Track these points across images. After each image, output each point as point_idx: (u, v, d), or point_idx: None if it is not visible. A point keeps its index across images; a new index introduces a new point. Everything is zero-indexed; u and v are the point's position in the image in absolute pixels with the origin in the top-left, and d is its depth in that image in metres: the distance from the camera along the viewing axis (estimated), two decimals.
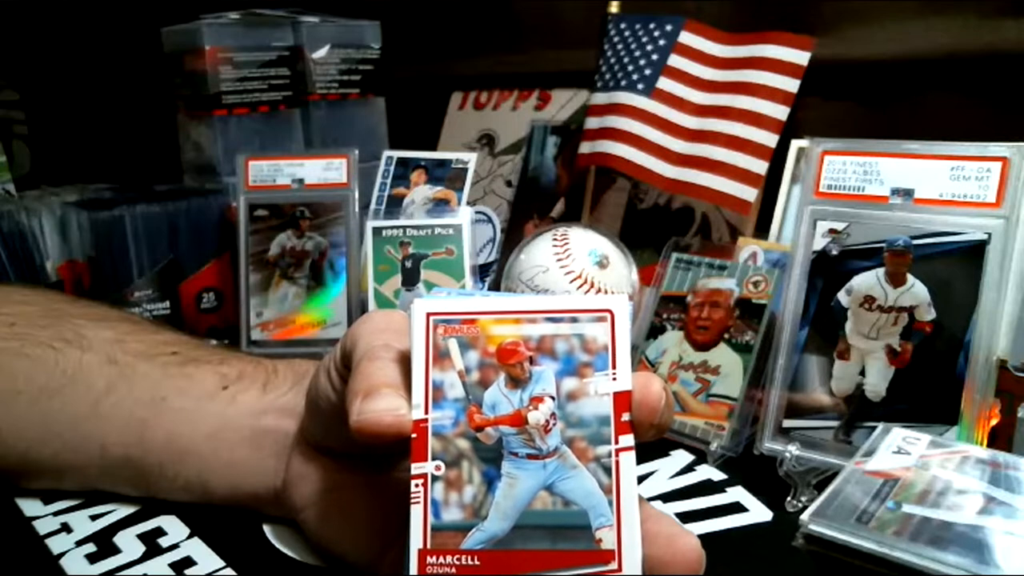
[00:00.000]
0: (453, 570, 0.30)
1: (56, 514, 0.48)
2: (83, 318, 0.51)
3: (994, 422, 0.48)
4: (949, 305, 0.49)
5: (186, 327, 0.80)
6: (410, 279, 0.74)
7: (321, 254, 0.76)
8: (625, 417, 0.31)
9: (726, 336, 0.59)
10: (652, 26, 0.80)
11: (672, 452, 0.57)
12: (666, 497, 0.51)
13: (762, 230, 0.72)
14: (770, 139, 0.71)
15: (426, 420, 0.31)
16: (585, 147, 0.81)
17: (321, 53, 0.90)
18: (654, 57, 0.79)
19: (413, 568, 0.30)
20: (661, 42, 0.79)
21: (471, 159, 0.81)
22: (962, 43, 0.68)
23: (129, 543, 0.45)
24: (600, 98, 0.81)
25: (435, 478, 0.31)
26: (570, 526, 0.31)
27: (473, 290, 0.72)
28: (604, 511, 0.31)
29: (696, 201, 0.77)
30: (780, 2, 0.78)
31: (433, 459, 0.31)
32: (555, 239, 0.66)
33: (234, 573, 0.43)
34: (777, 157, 0.71)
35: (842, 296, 0.52)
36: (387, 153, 0.84)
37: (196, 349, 0.51)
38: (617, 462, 0.31)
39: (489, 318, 0.32)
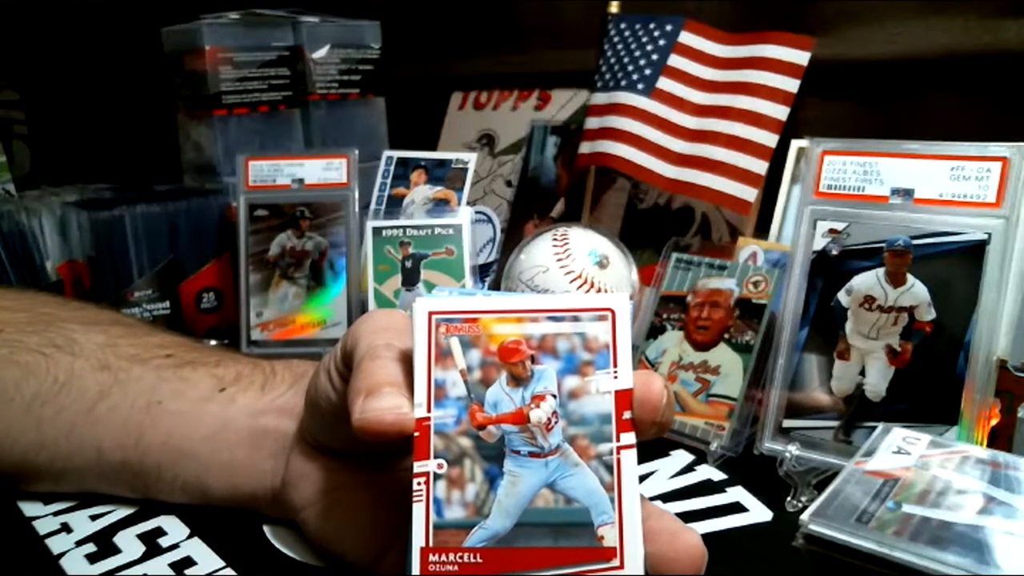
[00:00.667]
0: (455, 568, 0.30)
1: (56, 514, 0.47)
2: (74, 322, 0.51)
3: (994, 422, 0.48)
4: (949, 305, 0.49)
5: (186, 327, 0.80)
6: (410, 279, 0.74)
7: (321, 254, 0.76)
8: (627, 415, 0.32)
9: (726, 336, 0.59)
10: (652, 26, 0.80)
11: (672, 452, 0.57)
12: (666, 497, 0.51)
13: (762, 230, 0.72)
14: (770, 139, 0.71)
15: (428, 418, 0.32)
16: (585, 147, 0.81)
17: (321, 53, 0.90)
18: (654, 57, 0.79)
19: (415, 566, 0.30)
20: (661, 42, 0.79)
21: (471, 159, 0.81)
22: (962, 43, 0.68)
23: (129, 543, 0.45)
24: (600, 98, 0.81)
25: (437, 476, 0.31)
26: (572, 524, 0.31)
27: (474, 289, 0.72)
28: (606, 509, 0.31)
29: (696, 201, 0.77)
30: (780, 2, 0.78)
31: (435, 457, 0.31)
32: (555, 239, 0.66)
33: (234, 573, 0.43)
34: (777, 157, 0.71)
35: (842, 296, 0.52)
36: (387, 153, 0.84)
37: (191, 351, 0.51)
38: (619, 460, 0.31)
39: (491, 317, 0.33)
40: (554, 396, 0.32)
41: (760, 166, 0.71)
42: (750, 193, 0.71)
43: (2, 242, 0.76)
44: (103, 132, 1.18)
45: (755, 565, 0.44)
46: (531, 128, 0.93)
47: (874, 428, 0.44)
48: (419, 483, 0.31)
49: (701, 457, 0.56)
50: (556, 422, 0.32)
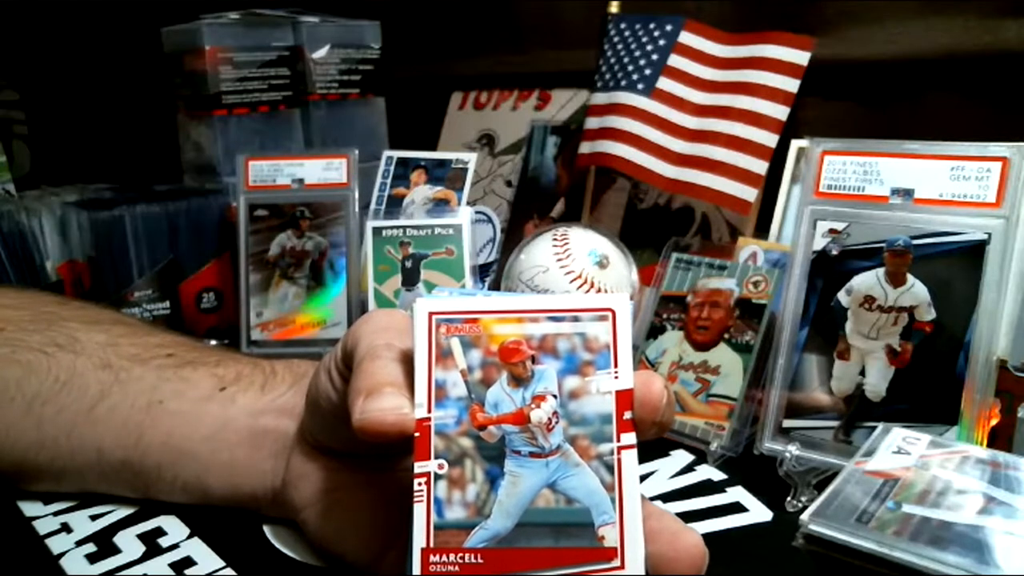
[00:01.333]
0: (456, 568, 0.30)
1: (56, 514, 0.47)
2: (75, 321, 0.51)
3: (994, 422, 0.48)
4: (949, 305, 0.49)
5: (186, 327, 0.80)
6: (410, 279, 0.74)
7: (321, 254, 0.76)
8: (627, 415, 0.32)
9: (726, 336, 0.59)
10: (652, 26, 0.80)
11: (672, 452, 0.57)
12: (666, 497, 0.51)
13: (762, 230, 0.72)
14: (770, 139, 0.71)
15: (429, 419, 0.32)
16: (585, 147, 0.81)
17: (321, 53, 0.90)
18: (654, 57, 0.79)
19: (416, 567, 0.30)
20: (661, 42, 0.79)
21: (471, 159, 0.81)
22: (962, 43, 0.68)
23: (129, 543, 0.45)
24: (600, 98, 0.81)
25: (438, 477, 0.31)
26: (573, 524, 0.31)
27: (474, 290, 0.72)
28: (607, 509, 0.31)
29: (696, 201, 0.77)
30: (780, 2, 0.78)
31: (436, 458, 0.31)
32: (555, 239, 0.66)
33: (234, 573, 0.43)
34: (777, 157, 0.71)
35: (842, 296, 0.52)
36: (387, 153, 0.84)
37: (192, 351, 0.51)
38: (619, 460, 0.31)
39: (491, 317, 0.33)
40: (555, 396, 0.32)
41: (760, 166, 0.71)
42: (750, 193, 0.71)
43: (2, 242, 0.76)
44: (103, 132, 1.18)
45: (755, 565, 0.44)
46: (531, 128, 0.93)
47: (874, 428, 0.44)
48: (420, 483, 0.31)
49: (701, 457, 0.56)
50: (557, 422, 0.32)
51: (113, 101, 1.19)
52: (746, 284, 0.60)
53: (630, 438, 0.31)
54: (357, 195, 0.77)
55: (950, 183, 0.50)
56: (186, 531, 0.46)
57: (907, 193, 0.51)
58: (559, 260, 0.65)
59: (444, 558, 0.30)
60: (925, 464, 0.40)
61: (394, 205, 0.81)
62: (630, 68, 0.80)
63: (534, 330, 0.32)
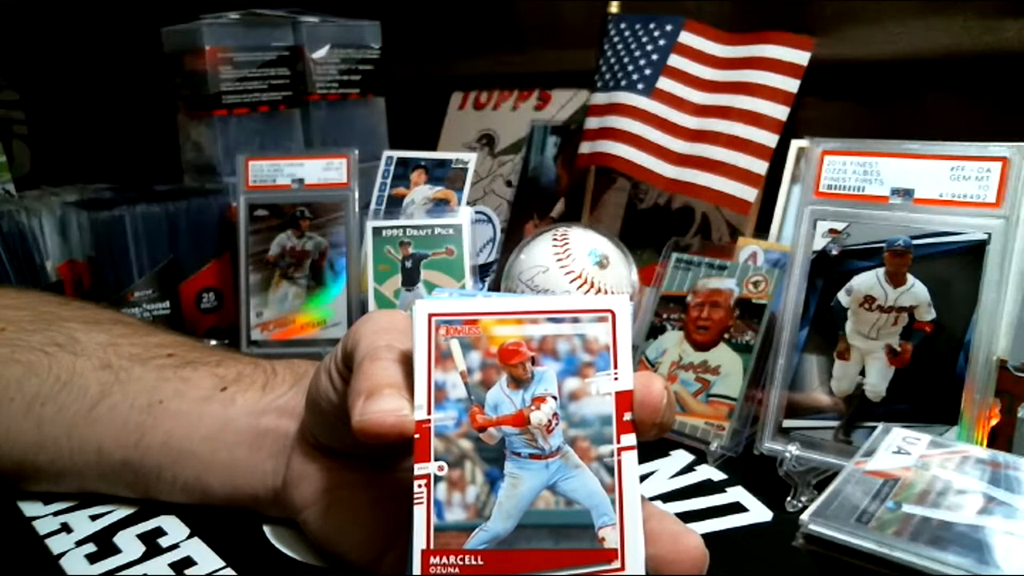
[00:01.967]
0: (456, 570, 0.30)
1: (56, 514, 0.48)
2: (76, 321, 0.51)
3: (994, 422, 0.48)
4: (949, 305, 0.49)
5: (186, 327, 0.80)
6: (410, 279, 0.74)
7: (321, 254, 0.76)
8: (627, 416, 0.32)
9: (726, 336, 0.59)
10: (652, 26, 0.80)
11: (672, 452, 0.57)
12: (666, 497, 0.51)
13: (762, 230, 0.72)
14: (770, 139, 0.71)
15: (428, 421, 0.32)
16: (585, 147, 0.81)
17: (321, 53, 0.90)
18: (654, 57, 0.79)
19: (416, 568, 0.30)
20: (661, 42, 0.79)
21: (471, 159, 0.81)
22: (962, 43, 0.68)
23: (129, 543, 0.45)
24: (600, 98, 0.81)
25: (438, 478, 0.31)
26: (573, 525, 0.31)
27: (474, 290, 0.72)
28: (607, 510, 0.31)
29: (696, 201, 0.77)
30: (780, 2, 0.78)
31: (436, 459, 0.31)
32: (555, 239, 0.66)
33: (234, 573, 0.43)
34: (777, 157, 0.71)
35: (842, 296, 0.52)
36: (387, 153, 0.84)
37: (192, 351, 0.51)
38: (619, 461, 0.31)
39: (491, 319, 0.33)
40: (554, 398, 0.32)
41: (760, 166, 0.71)
42: (750, 193, 0.71)
43: (2, 242, 0.76)
44: (103, 132, 1.18)
45: (755, 565, 0.44)
46: (531, 128, 0.93)
47: (874, 428, 0.44)
48: (419, 485, 0.31)
49: (701, 457, 0.56)
50: (556, 424, 0.32)
51: (113, 101, 1.19)
52: (746, 284, 0.60)
53: (630, 439, 0.31)
54: (357, 195, 0.77)
55: (950, 183, 0.50)
56: (186, 531, 0.46)
57: (907, 193, 0.51)
58: (559, 260, 0.65)
59: (444, 560, 0.30)
60: (925, 464, 0.40)
61: (394, 205, 0.81)
62: (630, 68, 0.80)
63: (534, 331, 0.32)
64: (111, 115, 1.18)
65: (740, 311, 0.59)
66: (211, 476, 0.45)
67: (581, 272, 0.64)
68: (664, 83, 0.78)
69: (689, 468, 0.55)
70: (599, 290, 0.64)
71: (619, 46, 0.81)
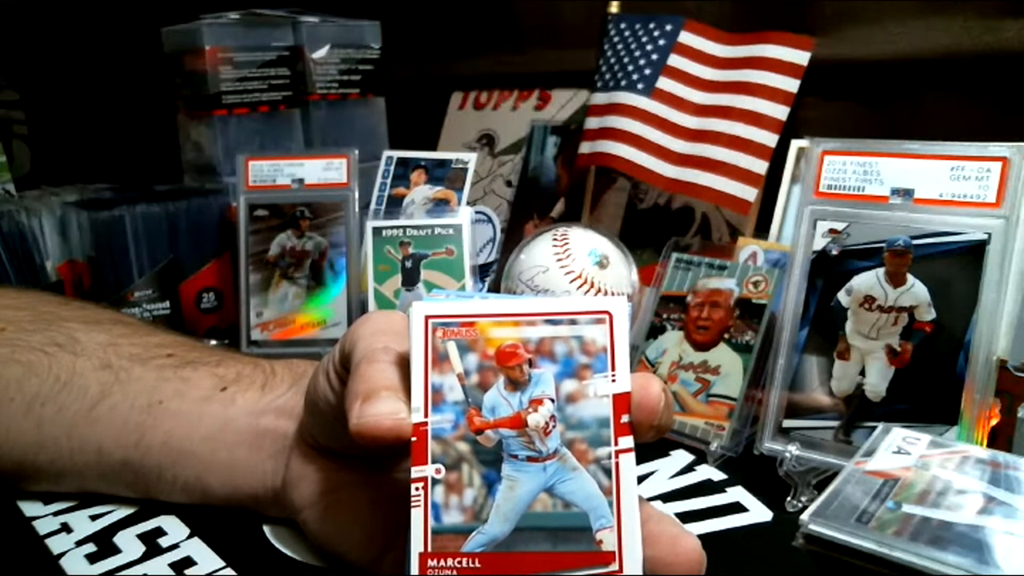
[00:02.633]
0: (454, 573, 0.30)
1: (56, 514, 0.48)
2: (76, 321, 0.51)
3: (994, 422, 0.48)
4: (949, 305, 0.49)
5: (186, 327, 0.80)
6: (410, 279, 0.74)
7: (321, 254, 0.76)
8: (624, 419, 0.32)
9: (726, 336, 0.59)
10: (652, 26, 0.80)
11: (672, 452, 0.57)
12: (666, 497, 0.51)
13: (762, 230, 0.72)
14: (770, 139, 0.71)
15: (426, 423, 0.31)
16: (585, 147, 0.81)
17: (321, 53, 0.90)
18: (654, 57, 0.79)
19: (414, 571, 0.30)
20: (661, 42, 0.79)
21: (471, 159, 0.81)
22: (962, 43, 0.68)
23: (129, 543, 0.45)
24: (600, 98, 0.81)
25: (435, 481, 0.31)
26: (571, 528, 0.31)
27: (472, 292, 0.72)
28: (604, 513, 0.31)
29: (696, 201, 0.77)
30: (780, 2, 0.78)
31: (433, 462, 0.31)
32: (555, 239, 0.66)
33: (234, 573, 0.43)
34: (777, 157, 0.71)
35: (842, 296, 0.52)
36: (387, 153, 0.84)
37: (192, 351, 0.51)
38: (617, 464, 0.31)
39: (488, 321, 0.32)
40: (552, 400, 0.32)
41: (760, 166, 0.71)
42: (750, 193, 0.71)
43: (2, 242, 0.76)
44: (103, 132, 1.18)
45: (755, 565, 0.44)
46: (531, 128, 0.93)
47: (874, 428, 0.44)
48: (417, 488, 0.31)
49: (701, 457, 0.56)
50: (554, 426, 0.32)
51: (113, 101, 1.19)
52: (746, 284, 0.60)
53: (628, 442, 0.31)
54: (357, 195, 0.77)
55: (950, 183, 0.50)
56: (186, 531, 0.46)
57: (907, 193, 0.51)
58: (559, 260, 0.65)
59: (442, 562, 0.30)
60: (925, 464, 0.40)
61: (394, 205, 0.81)
62: (630, 68, 0.79)
63: (531, 333, 0.32)
64: (111, 115, 1.18)
65: (740, 311, 0.59)
66: (211, 476, 0.45)
67: (581, 272, 0.64)
68: (664, 83, 0.78)
69: (689, 468, 0.55)
70: (599, 290, 0.64)
71: (619, 46, 0.81)
